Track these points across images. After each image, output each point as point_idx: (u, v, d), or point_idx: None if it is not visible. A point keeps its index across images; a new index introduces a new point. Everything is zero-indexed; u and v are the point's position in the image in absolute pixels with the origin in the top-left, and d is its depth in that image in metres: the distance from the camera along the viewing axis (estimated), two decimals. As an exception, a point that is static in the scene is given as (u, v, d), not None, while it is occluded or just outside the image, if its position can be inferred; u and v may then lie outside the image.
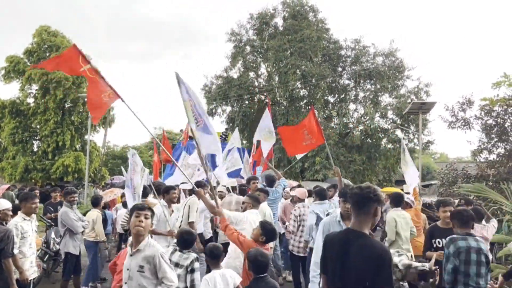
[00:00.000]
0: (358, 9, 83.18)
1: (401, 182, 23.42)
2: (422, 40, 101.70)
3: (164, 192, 5.86)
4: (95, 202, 7.49)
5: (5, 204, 4.62)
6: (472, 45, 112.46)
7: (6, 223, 4.62)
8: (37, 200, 5.23)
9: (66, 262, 6.32)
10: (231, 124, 24.58)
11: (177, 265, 3.94)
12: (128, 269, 3.32)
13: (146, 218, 3.27)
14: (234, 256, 4.61)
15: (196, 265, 3.97)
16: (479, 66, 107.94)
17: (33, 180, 24.27)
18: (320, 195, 6.17)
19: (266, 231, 4.14)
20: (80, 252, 6.49)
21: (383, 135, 22.74)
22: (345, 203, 4.03)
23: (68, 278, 6.32)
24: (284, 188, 7.86)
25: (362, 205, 2.49)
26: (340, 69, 24.30)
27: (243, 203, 5.38)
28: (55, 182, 24.05)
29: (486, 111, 9.13)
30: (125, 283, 3.34)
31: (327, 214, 5.31)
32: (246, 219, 4.87)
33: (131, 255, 3.32)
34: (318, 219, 5.66)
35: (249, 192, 6.74)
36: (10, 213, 4.69)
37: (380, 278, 2.37)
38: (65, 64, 5.18)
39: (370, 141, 22.67)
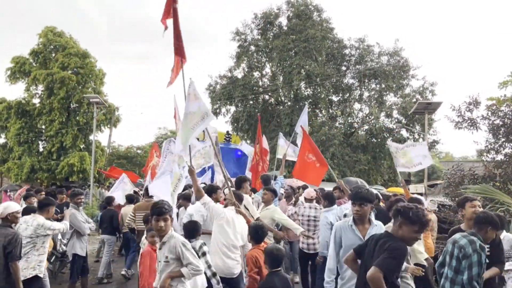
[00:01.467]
0: (361, 8, 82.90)
1: (406, 182, 23.35)
2: (427, 39, 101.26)
3: (212, 192, 5.76)
4: (131, 198, 8.26)
5: (15, 207, 4.60)
6: (478, 44, 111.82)
7: (10, 226, 4.59)
8: None
9: (74, 263, 6.34)
10: (235, 124, 24.61)
11: None
12: (159, 261, 3.64)
13: (165, 221, 3.54)
14: (214, 251, 4.67)
15: (205, 248, 4.30)
16: (485, 65, 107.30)
17: (38, 180, 24.40)
18: (329, 198, 5.94)
19: (249, 230, 4.43)
20: (86, 253, 6.51)
21: (388, 134, 22.68)
22: (354, 205, 3.70)
23: (75, 280, 6.35)
24: (281, 186, 7.88)
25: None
26: (344, 68, 24.26)
27: (225, 199, 5.37)
28: (60, 182, 24.16)
29: (492, 111, 9.06)
30: (158, 273, 3.66)
31: (345, 215, 5.23)
32: (224, 215, 4.82)
33: (160, 249, 3.63)
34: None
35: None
36: (20, 215, 4.68)
37: (379, 258, 2.79)
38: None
39: (375, 140, 22.62)
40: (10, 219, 4.50)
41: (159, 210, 3.53)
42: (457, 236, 3.78)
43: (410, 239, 2.90)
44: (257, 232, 4.35)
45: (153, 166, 9.86)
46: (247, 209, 5.60)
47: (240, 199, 5.27)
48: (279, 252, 3.74)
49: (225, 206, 5.16)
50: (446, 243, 3.91)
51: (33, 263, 4.90)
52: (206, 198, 4.91)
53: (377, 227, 3.68)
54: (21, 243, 4.43)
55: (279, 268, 3.70)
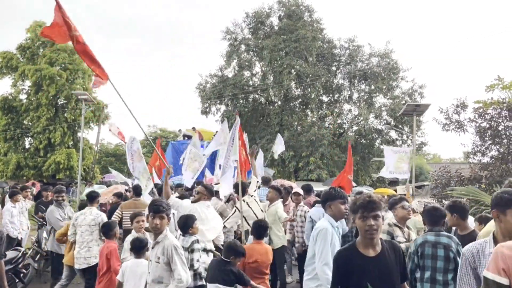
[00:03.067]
0: (352, 9, 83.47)
1: (394, 183, 23.54)
2: (416, 42, 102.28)
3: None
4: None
5: None
6: (466, 47, 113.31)
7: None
8: None
9: (52, 261, 6.10)
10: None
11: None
12: (150, 260, 3.58)
13: (161, 219, 3.50)
14: None
15: (196, 246, 4.24)
16: (473, 68, 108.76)
17: (25, 177, 24.07)
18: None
19: (252, 226, 4.73)
20: None
21: (377, 135, 22.84)
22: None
23: (57, 277, 6.00)
24: None
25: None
26: (334, 68, 24.36)
27: (198, 193, 5.37)
28: (47, 179, 23.87)
29: (479, 113, 9.19)
30: (148, 273, 3.60)
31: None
32: (196, 210, 4.84)
33: (152, 248, 3.59)
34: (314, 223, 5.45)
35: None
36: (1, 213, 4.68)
37: None
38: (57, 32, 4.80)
39: (364, 141, 22.76)
40: None
41: (156, 208, 3.50)
42: (429, 237, 3.76)
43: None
44: (258, 229, 4.64)
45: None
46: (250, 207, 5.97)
47: (211, 194, 5.39)
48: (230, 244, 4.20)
49: (197, 200, 5.19)
50: (420, 246, 3.80)
51: (94, 252, 5.41)
52: (172, 198, 5.06)
53: None
54: (5, 242, 4.38)
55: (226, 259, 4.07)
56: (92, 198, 5.94)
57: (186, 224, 4.37)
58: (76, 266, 5.56)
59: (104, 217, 5.72)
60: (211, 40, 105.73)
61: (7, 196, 12.91)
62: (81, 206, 9.41)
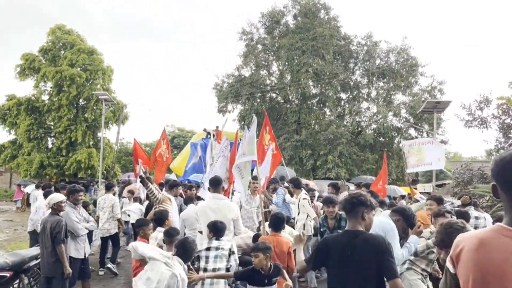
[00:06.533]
0: (368, 5, 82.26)
1: (414, 182, 23.18)
2: (435, 37, 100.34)
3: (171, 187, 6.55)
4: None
5: (59, 197, 5.26)
6: (488, 42, 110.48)
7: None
8: None
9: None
10: (242, 122, 24.64)
11: (217, 248, 4.29)
12: None
13: None
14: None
15: (234, 248, 4.49)
16: (495, 64, 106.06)
17: (47, 176, 24.62)
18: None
19: (270, 218, 5.01)
20: (85, 256, 5.91)
21: (396, 134, 22.55)
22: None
23: (71, 285, 5.68)
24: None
25: (350, 209, 2.87)
26: (352, 65, 24.15)
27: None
28: (69, 178, 24.36)
29: (503, 110, 8.97)
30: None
31: None
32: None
33: None
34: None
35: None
36: (64, 204, 5.33)
37: (383, 260, 2.60)
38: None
39: (383, 139, 22.50)
40: (56, 208, 5.18)
41: None
42: None
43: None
44: (275, 221, 4.77)
45: (160, 154, 9.75)
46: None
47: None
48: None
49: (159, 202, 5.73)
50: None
51: (113, 225, 7.77)
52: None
53: None
54: (65, 228, 5.09)
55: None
56: (108, 187, 8.21)
57: (221, 229, 4.43)
58: (101, 235, 7.68)
59: (116, 201, 7.91)
60: (212, 39, 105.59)
61: (31, 194, 13.28)
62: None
